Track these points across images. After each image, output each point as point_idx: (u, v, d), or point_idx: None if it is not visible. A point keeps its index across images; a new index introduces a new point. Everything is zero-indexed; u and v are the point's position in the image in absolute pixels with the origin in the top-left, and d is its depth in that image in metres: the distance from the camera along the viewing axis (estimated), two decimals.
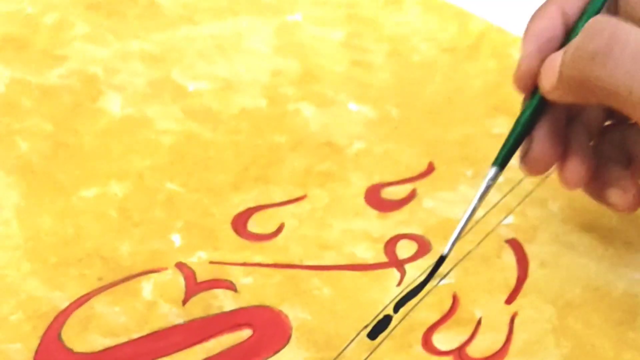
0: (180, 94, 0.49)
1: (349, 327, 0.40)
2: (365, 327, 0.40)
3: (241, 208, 0.44)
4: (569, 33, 0.39)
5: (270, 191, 0.45)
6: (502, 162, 0.41)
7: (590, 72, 0.35)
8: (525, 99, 0.41)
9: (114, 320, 0.39)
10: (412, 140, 0.48)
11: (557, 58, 0.37)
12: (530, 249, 0.44)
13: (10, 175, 0.44)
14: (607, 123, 0.43)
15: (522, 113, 0.40)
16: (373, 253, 0.43)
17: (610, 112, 0.42)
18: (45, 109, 0.48)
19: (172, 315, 0.39)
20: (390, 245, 0.43)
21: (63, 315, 0.39)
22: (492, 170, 0.41)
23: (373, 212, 0.45)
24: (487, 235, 0.44)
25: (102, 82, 0.49)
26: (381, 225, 0.44)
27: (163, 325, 0.39)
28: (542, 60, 0.39)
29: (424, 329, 0.40)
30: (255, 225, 0.44)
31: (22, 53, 0.51)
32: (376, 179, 0.46)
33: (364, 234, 0.44)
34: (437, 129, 0.49)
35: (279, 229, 0.44)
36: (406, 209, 0.45)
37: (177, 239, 0.42)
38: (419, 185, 0.46)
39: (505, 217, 0.45)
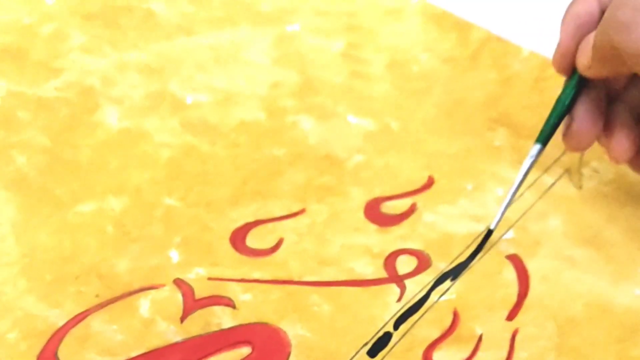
0: (178, 106, 0.49)
1: (348, 344, 0.40)
2: (365, 344, 0.39)
3: (240, 223, 0.44)
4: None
5: (269, 205, 0.45)
6: (544, 139, 0.43)
7: (618, 41, 0.38)
8: (566, 80, 0.44)
9: (111, 339, 0.39)
10: (412, 153, 0.48)
11: (591, 37, 0.40)
12: (531, 265, 0.43)
13: (6, 189, 0.44)
14: None
15: (563, 92, 0.43)
16: (373, 268, 0.43)
17: None
18: (42, 122, 0.47)
19: (170, 333, 0.39)
20: (390, 260, 0.43)
21: (60, 334, 0.39)
22: (535, 148, 0.43)
23: (373, 227, 0.44)
24: (487, 250, 0.44)
25: (99, 94, 0.49)
26: (381, 240, 0.44)
27: (161, 343, 0.39)
28: (579, 42, 0.42)
29: (424, 346, 0.40)
30: (253, 240, 0.43)
31: (19, 64, 0.50)
32: (376, 193, 0.46)
33: (363, 249, 0.43)
34: (437, 142, 0.49)
35: (278, 244, 0.43)
36: (406, 223, 0.45)
37: (175, 255, 0.42)
38: (419, 199, 0.46)
39: (505, 232, 0.44)
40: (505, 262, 0.43)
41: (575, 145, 0.44)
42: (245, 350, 0.39)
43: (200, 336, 0.39)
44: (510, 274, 0.43)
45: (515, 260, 0.43)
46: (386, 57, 0.54)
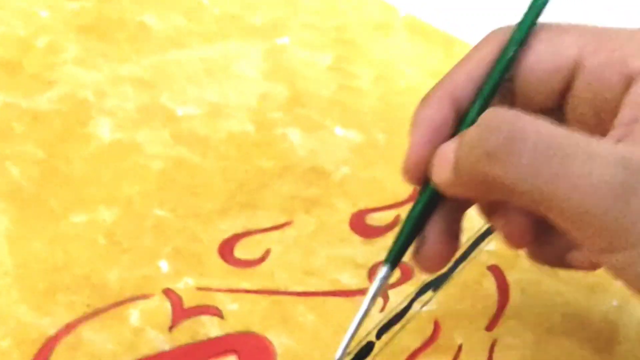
0: (170, 118, 0.50)
1: (332, 353, 0.40)
2: (348, 353, 0.41)
3: (228, 234, 0.45)
4: (461, 119, 0.36)
5: (257, 217, 0.46)
6: (393, 260, 0.37)
7: (489, 171, 0.31)
8: (420, 191, 0.37)
9: (101, 347, 0.40)
10: (398, 166, 0.49)
11: (449, 149, 0.34)
12: (511, 276, 0.44)
13: (0, 201, 0.45)
14: None
15: (414, 207, 0.37)
16: (357, 279, 0.44)
17: None
18: (36, 134, 0.48)
19: (158, 341, 0.40)
20: (374, 271, 0.44)
21: (51, 342, 0.40)
22: (384, 270, 0.37)
23: (358, 239, 0.46)
24: (469, 261, 0.45)
25: (92, 107, 0.50)
26: (366, 251, 0.45)
27: (150, 351, 0.40)
28: (433, 150, 0.35)
29: (405, 355, 0.41)
30: (241, 251, 0.44)
31: (14, 76, 0.51)
32: (361, 205, 0.47)
33: (348, 260, 0.44)
34: None
35: (265, 255, 0.44)
36: (390, 235, 0.46)
37: (164, 265, 0.43)
38: (403, 211, 0.47)
39: (487, 244, 0.46)
40: (486, 273, 0.44)
41: (428, 267, 0.37)
42: (232, 358, 0.40)
43: (188, 345, 0.40)
44: (490, 284, 0.44)
45: (496, 272, 0.45)
46: (374, 71, 0.55)
